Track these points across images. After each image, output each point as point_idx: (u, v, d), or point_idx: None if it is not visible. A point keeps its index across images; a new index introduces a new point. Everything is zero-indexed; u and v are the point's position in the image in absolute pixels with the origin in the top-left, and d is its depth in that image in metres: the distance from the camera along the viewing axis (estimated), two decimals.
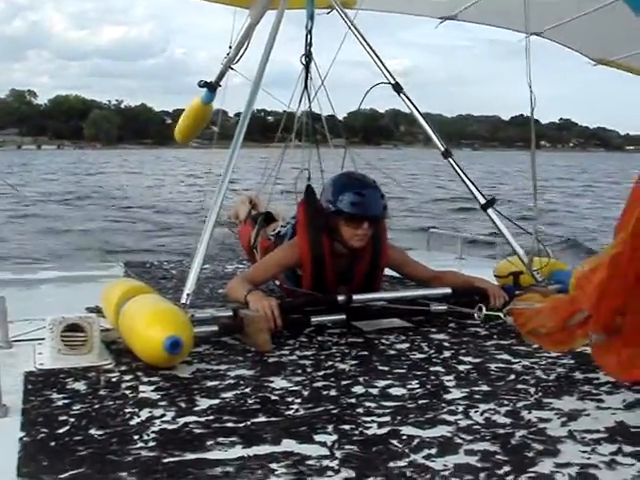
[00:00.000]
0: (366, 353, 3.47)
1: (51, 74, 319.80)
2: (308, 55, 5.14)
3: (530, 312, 3.15)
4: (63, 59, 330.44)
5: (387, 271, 4.62)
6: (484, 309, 3.64)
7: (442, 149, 4.78)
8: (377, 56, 4.88)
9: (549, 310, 3.02)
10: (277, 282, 4.64)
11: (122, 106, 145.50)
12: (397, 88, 4.84)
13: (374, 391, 2.87)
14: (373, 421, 2.53)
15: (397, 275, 4.80)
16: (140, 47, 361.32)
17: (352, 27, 4.92)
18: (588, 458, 2.19)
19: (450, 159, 4.76)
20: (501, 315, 3.54)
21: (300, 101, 5.16)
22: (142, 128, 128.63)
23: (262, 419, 2.56)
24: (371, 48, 4.87)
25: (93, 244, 14.67)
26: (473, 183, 4.77)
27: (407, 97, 4.85)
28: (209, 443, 2.33)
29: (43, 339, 3.34)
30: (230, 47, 6.03)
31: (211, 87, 6.72)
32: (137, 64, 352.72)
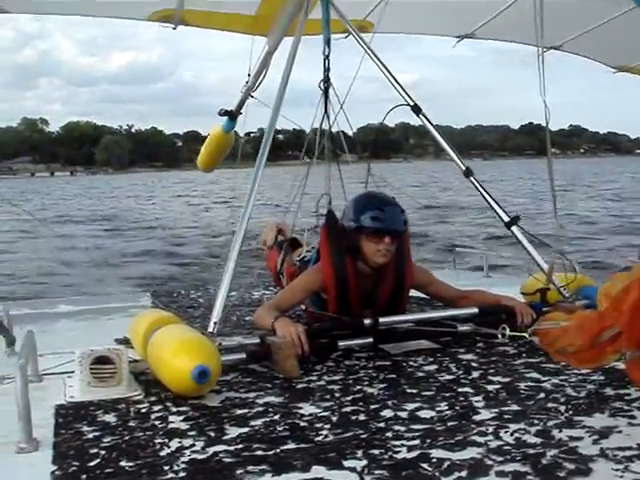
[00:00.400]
0: (394, 376, 3.46)
1: (62, 101, 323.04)
2: (326, 80, 5.19)
3: (556, 331, 3.13)
4: (74, 86, 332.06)
5: (414, 292, 4.61)
6: (508, 329, 3.63)
7: (463, 168, 4.79)
8: (394, 78, 4.92)
9: (576, 328, 2.99)
10: (303, 307, 4.66)
11: (133, 130, 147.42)
12: (416, 109, 4.88)
13: (403, 414, 2.86)
14: (403, 445, 2.52)
15: (423, 295, 4.79)
16: (149, 71, 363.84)
17: (369, 51, 4.97)
18: (621, 476, 2.16)
19: (472, 178, 4.76)
20: (526, 335, 3.51)
21: (321, 125, 5.22)
22: (153, 151, 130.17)
23: (291, 446, 2.56)
24: (388, 71, 4.92)
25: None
26: (496, 201, 4.77)
27: (426, 117, 4.88)
28: (239, 472, 2.33)
29: (73, 372, 3.37)
30: (249, 75, 6.10)
31: (232, 115, 6.78)
32: (147, 88, 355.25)
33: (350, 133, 5.55)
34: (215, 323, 3.85)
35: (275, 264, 5.47)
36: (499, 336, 3.66)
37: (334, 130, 5.32)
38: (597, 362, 3.02)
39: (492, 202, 4.76)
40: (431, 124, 4.89)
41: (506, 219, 4.70)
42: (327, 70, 5.17)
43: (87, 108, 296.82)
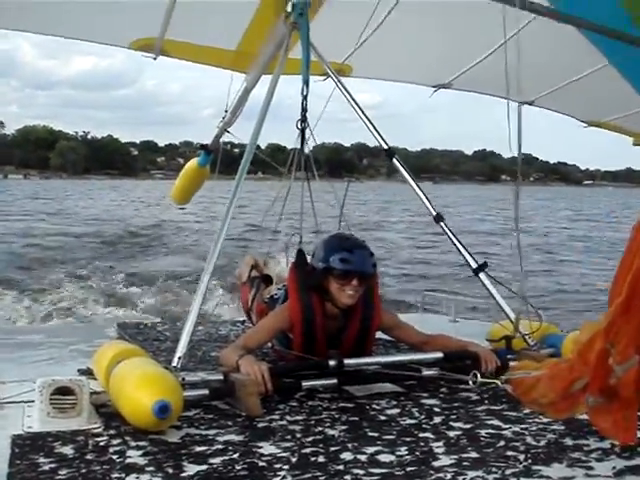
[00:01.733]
0: (356, 418, 3.46)
1: (19, 103, 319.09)
2: (304, 120, 5.24)
3: (529, 381, 3.14)
4: (31, 88, 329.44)
5: (380, 334, 4.63)
6: (479, 376, 3.64)
7: (434, 214, 4.84)
8: (370, 122, 4.98)
9: (548, 379, 3.00)
10: (270, 345, 4.65)
11: (89, 137, 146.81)
12: (389, 153, 4.95)
13: (363, 457, 2.86)
14: None
15: (388, 338, 4.80)
16: (111, 78, 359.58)
17: (347, 94, 5.03)
18: None
19: (442, 224, 4.82)
20: (498, 383, 3.54)
21: (296, 165, 5.26)
22: (108, 159, 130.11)
23: None
24: (365, 115, 4.98)
25: None
26: (465, 247, 4.82)
27: (399, 162, 4.94)
28: None
29: (33, 401, 3.33)
30: (226, 111, 6.15)
31: (207, 150, 6.82)
32: (108, 95, 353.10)
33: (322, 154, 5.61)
34: (179, 358, 3.83)
35: (247, 300, 5.48)
36: (470, 382, 3.68)
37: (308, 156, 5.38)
38: (571, 411, 3.04)
39: (461, 248, 4.81)
40: (404, 168, 4.96)
41: (474, 265, 4.75)
42: (304, 110, 5.21)
43: (44, 111, 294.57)
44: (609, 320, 2.54)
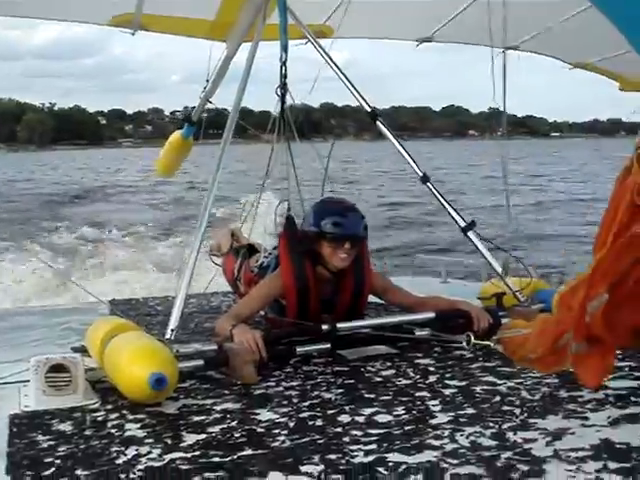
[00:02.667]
0: (352, 381, 3.47)
1: None
2: (283, 87, 5.19)
3: (519, 339, 3.16)
4: None
5: (371, 298, 4.64)
6: (472, 337, 3.66)
7: (420, 174, 4.83)
8: (352, 85, 4.94)
9: (537, 335, 3.02)
10: (262, 312, 4.65)
11: (56, 108, 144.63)
12: (372, 115, 4.91)
13: (360, 419, 2.87)
14: (360, 449, 2.53)
15: (379, 301, 4.82)
16: (77, 46, 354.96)
17: (327, 58, 4.99)
18: (573, 477, 2.19)
19: (429, 184, 4.81)
20: (490, 344, 3.56)
21: (277, 131, 5.22)
22: (76, 130, 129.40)
23: (248, 452, 2.56)
24: (346, 77, 4.94)
25: None
26: (453, 207, 4.81)
27: (382, 124, 4.91)
28: (196, 479, 2.32)
29: (28, 381, 3.33)
30: (207, 81, 6.11)
31: (190, 121, 6.77)
32: (75, 63, 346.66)
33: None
34: (172, 330, 3.83)
35: (232, 270, 5.46)
36: (464, 344, 3.70)
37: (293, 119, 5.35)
38: (559, 365, 3.07)
39: (449, 207, 4.80)
40: (389, 131, 4.93)
41: (462, 224, 4.75)
42: (284, 77, 5.17)
43: (10, 83, 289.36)
44: (593, 269, 2.57)
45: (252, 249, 5.53)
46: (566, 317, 2.76)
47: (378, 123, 4.91)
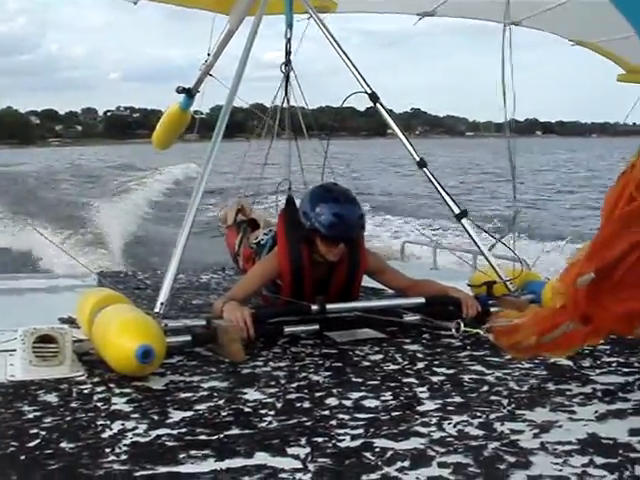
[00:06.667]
0: (340, 364, 3.47)
1: None
2: (287, 63, 5.17)
3: (510, 327, 3.16)
4: None
5: (364, 282, 4.62)
6: (462, 325, 3.66)
7: (417, 159, 4.79)
8: (353, 64, 4.89)
9: (530, 324, 3.02)
10: None
11: None
12: (373, 98, 4.86)
13: (347, 403, 2.87)
14: (346, 433, 2.52)
15: (372, 286, 4.80)
16: (12, 41, 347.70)
17: (328, 35, 4.93)
18: (560, 470, 2.20)
19: (425, 169, 4.77)
20: (481, 332, 3.55)
21: (281, 107, 5.23)
22: (9, 130, 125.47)
23: (235, 432, 2.55)
24: (347, 57, 4.89)
25: None
26: (448, 193, 4.79)
27: (382, 106, 4.87)
28: (182, 456, 2.32)
29: (15, 350, 3.31)
30: (209, 54, 6.05)
31: (189, 93, 6.72)
32: (7, 61, 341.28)
33: (307, 114, 5.57)
34: (162, 304, 3.82)
35: (233, 244, 5.48)
36: (453, 331, 3.69)
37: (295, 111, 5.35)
38: (554, 352, 3.10)
39: (444, 194, 4.78)
40: (387, 112, 4.89)
41: (457, 211, 4.74)
42: (288, 53, 5.15)
43: None
44: (591, 247, 2.59)
45: (254, 224, 5.51)
46: (566, 306, 2.77)
47: (378, 105, 4.86)
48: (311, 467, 2.23)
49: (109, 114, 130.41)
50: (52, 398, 2.92)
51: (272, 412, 2.76)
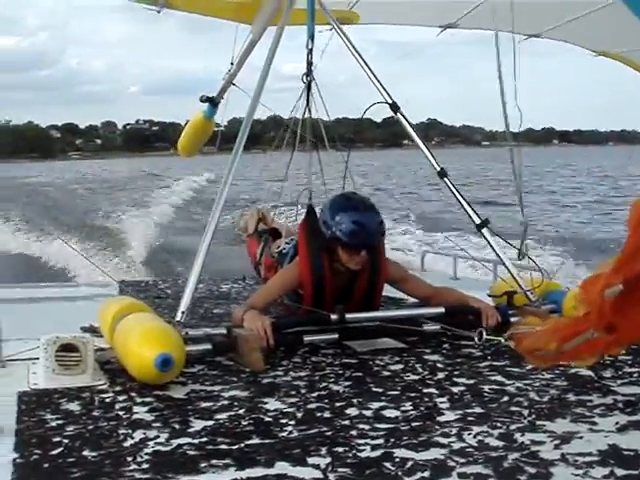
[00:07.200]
0: (360, 374, 3.47)
1: None
2: (309, 74, 5.20)
3: (531, 335, 3.15)
4: None
5: (385, 292, 4.62)
6: (484, 333, 3.65)
7: (438, 169, 4.80)
8: (374, 75, 4.92)
9: (551, 332, 3.02)
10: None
11: (10, 125, 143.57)
12: (394, 108, 4.88)
13: (368, 413, 2.87)
14: (367, 443, 2.52)
15: (392, 296, 4.80)
16: (33, 58, 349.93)
17: (350, 46, 4.96)
18: None
19: (446, 179, 4.78)
20: (502, 340, 3.54)
21: (302, 117, 5.26)
22: (30, 143, 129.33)
23: (256, 441, 2.56)
24: (368, 67, 4.92)
25: None
26: (469, 203, 4.79)
27: (403, 116, 4.89)
28: (203, 465, 2.33)
29: (37, 359, 3.34)
30: (232, 63, 6.10)
31: (213, 102, 6.79)
32: (29, 75, 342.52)
33: (327, 125, 5.60)
34: (183, 312, 3.84)
35: (255, 253, 5.50)
36: (475, 339, 3.69)
37: (315, 122, 5.37)
38: (572, 360, 3.09)
39: (464, 203, 4.78)
40: (408, 122, 4.91)
41: (477, 221, 4.73)
42: (310, 64, 5.18)
43: None
44: (618, 259, 2.58)
45: (276, 233, 5.53)
46: (589, 315, 2.77)
47: (399, 115, 4.88)
48: (332, 477, 2.23)
49: (128, 127, 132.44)
50: (74, 407, 2.95)
51: (292, 422, 2.76)
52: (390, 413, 2.87)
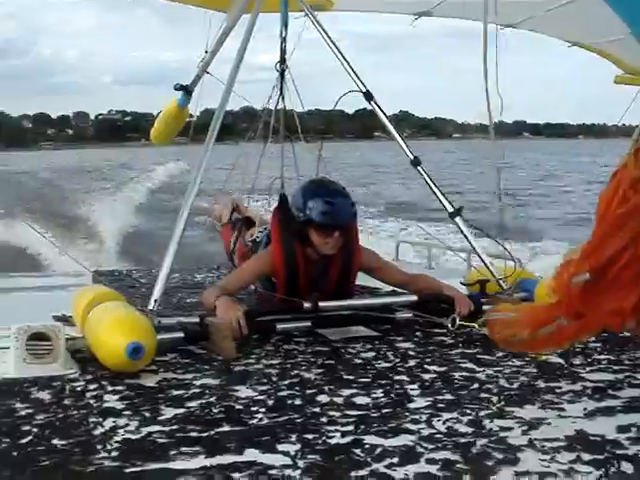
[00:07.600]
0: (332, 362, 3.48)
1: None
2: (282, 62, 5.18)
3: (505, 321, 3.17)
4: None
5: (358, 280, 4.64)
6: (457, 319, 3.67)
7: (411, 157, 4.81)
8: (348, 63, 4.91)
9: (524, 319, 3.04)
10: (252, 287, 4.68)
11: None
12: (368, 96, 4.88)
13: (338, 400, 2.88)
14: (337, 430, 2.54)
15: (366, 285, 4.82)
16: (1, 46, 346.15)
17: (324, 33, 4.94)
18: (547, 466, 2.21)
19: (419, 167, 4.79)
20: (476, 326, 3.55)
21: (276, 107, 5.25)
22: (1, 133, 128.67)
23: (226, 428, 2.56)
24: (342, 55, 4.90)
25: None
26: (441, 192, 4.81)
27: (377, 105, 4.89)
28: (172, 453, 2.33)
29: (8, 348, 3.32)
30: (206, 52, 6.07)
31: (187, 91, 6.75)
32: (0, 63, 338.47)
33: (300, 116, 5.58)
34: (156, 301, 3.83)
35: (229, 242, 5.49)
36: (448, 325, 3.70)
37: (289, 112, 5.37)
38: (546, 348, 3.11)
39: (437, 192, 4.80)
40: (382, 111, 4.91)
41: (450, 210, 4.75)
42: (283, 52, 5.16)
43: None
44: (585, 248, 2.61)
45: (249, 222, 5.53)
46: (559, 302, 2.79)
47: (373, 104, 4.88)
48: (301, 464, 2.24)
49: (100, 118, 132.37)
50: (45, 395, 2.93)
51: (263, 409, 2.77)
52: (361, 400, 2.88)
